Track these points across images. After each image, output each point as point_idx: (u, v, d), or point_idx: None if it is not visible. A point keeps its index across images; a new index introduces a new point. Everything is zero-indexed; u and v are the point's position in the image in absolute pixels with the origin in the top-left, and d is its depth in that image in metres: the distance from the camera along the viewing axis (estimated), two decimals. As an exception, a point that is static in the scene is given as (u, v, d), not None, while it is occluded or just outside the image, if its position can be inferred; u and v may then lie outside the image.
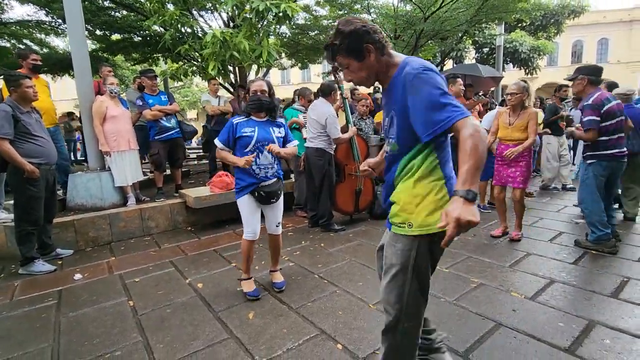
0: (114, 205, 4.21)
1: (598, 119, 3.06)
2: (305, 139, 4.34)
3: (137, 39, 8.43)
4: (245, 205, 2.47)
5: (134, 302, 2.54)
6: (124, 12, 7.98)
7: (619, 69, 27.84)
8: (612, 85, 4.19)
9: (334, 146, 4.02)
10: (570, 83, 3.41)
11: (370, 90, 8.56)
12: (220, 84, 6.73)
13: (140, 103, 4.39)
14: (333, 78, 4.33)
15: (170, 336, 2.10)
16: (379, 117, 5.91)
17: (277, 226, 2.62)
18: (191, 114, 28.55)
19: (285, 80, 29.42)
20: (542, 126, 5.64)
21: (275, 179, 2.51)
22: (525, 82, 3.50)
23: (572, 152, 6.57)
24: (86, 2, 6.76)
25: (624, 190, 4.15)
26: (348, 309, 2.33)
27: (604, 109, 3.05)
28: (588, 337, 1.95)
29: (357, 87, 6.54)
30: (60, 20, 7.97)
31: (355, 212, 4.35)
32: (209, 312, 2.37)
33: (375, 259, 1.65)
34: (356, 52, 1.29)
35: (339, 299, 2.47)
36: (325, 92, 3.95)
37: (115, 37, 8.62)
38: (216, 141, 2.46)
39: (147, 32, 7.84)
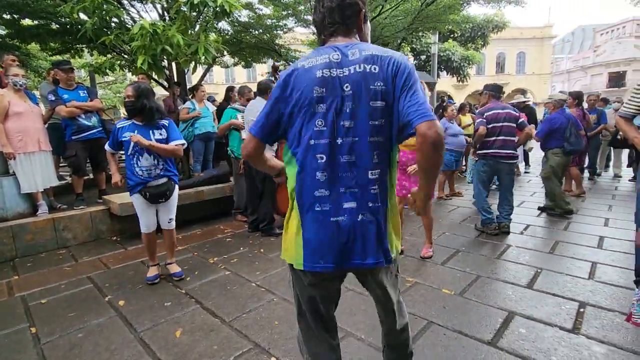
0: (20, 215, 3.66)
1: (484, 120, 3.73)
2: (243, 140, 4.17)
3: (55, 26, 7.48)
4: (137, 203, 2.69)
5: (37, 328, 2.20)
6: (37, -5, 7.03)
7: (534, 79, 31.47)
8: (578, 94, 5.47)
9: (275, 147, 3.91)
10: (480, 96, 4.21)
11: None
12: (155, 80, 6.24)
13: (53, 98, 3.87)
14: (273, 78, 4.23)
15: (80, 365, 1.84)
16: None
17: (169, 222, 2.82)
18: (124, 111, 26.36)
19: (230, 79, 28.51)
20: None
21: (164, 180, 2.66)
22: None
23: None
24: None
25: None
26: (285, 318, 2.24)
27: (488, 114, 3.73)
28: (507, 328, 2.09)
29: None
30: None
31: (297, 215, 4.28)
32: (129, 333, 2.13)
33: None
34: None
35: (276, 307, 2.38)
36: (262, 90, 3.83)
37: (27, 22, 7.57)
38: (106, 146, 2.68)
39: (67, 19, 6.99)
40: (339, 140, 1.13)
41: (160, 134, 2.62)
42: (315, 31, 1.30)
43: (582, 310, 2.27)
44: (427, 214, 3.22)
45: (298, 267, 1.20)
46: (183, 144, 2.71)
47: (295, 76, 1.16)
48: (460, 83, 17.95)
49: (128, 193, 4.09)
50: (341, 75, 1.13)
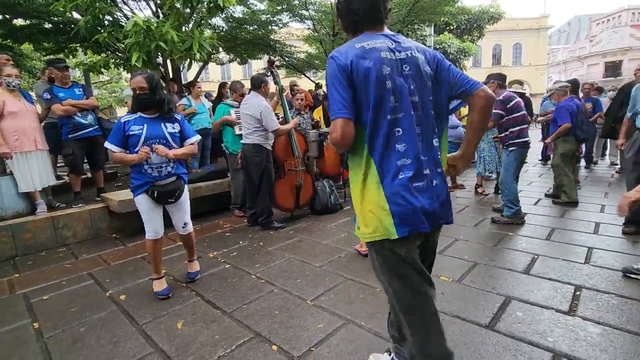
0: (18, 215, 3.66)
1: (503, 113, 3.71)
2: (237, 135, 4.19)
3: (47, 25, 7.43)
4: (142, 204, 2.40)
5: (40, 323, 2.21)
6: (29, -6, 6.97)
7: (530, 70, 31.42)
8: (575, 82, 5.38)
9: (272, 141, 3.92)
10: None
11: (312, 86, 8.57)
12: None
13: (48, 97, 3.85)
14: (269, 73, 4.21)
15: (83, 357, 1.86)
16: (319, 113, 5.93)
17: (183, 227, 2.60)
18: (121, 111, 26.24)
19: (225, 75, 28.37)
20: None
21: (173, 178, 2.43)
22: None
23: None
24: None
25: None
26: (285, 308, 2.27)
27: (510, 104, 3.70)
28: (505, 312, 2.12)
29: (297, 83, 6.50)
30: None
31: (295, 209, 4.30)
32: (131, 325, 2.15)
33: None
34: None
35: (275, 298, 2.40)
36: (255, 84, 3.82)
37: (20, 22, 7.51)
38: (107, 144, 2.31)
39: (60, 18, 6.94)
40: (412, 113, 1.24)
41: (173, 128, 2.40)
42: (344, 22, 1.36)
43: (578, 293, 2.30)
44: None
45: (392, 236, 1.20)
46: (197, 140, 2.57)
47: (355, 55, 1.21)
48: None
49: (126, 190, 4.15)
50: (400, 57, 1.25)
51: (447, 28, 15.27)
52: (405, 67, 1.24)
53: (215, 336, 1.99)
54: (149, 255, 2.53)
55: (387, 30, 1.33)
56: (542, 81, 30.80)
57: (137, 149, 2.27)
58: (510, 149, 3.78)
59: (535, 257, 2.91)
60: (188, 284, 2.67)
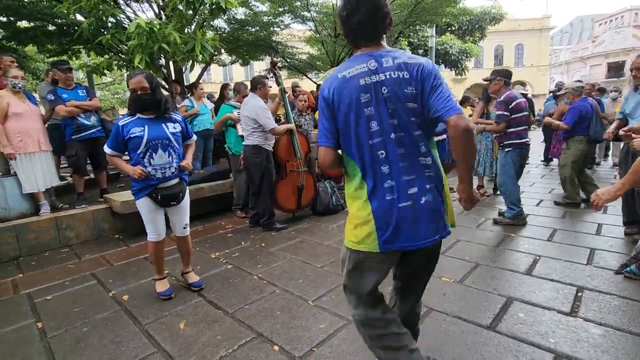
0: (22, 215, 3.68)
1: (508, 113, 3.58)
2: (240, 136, 4.20)
3: (51, 27, 7.48)
4: (144, 207, 2.36)
5: (44, 323, 2.23)
6: (33, -4, 7.03)
7: (532, 71, 31.35)
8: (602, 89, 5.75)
9: (272, 142, 3.93)
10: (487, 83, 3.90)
11: (314, 87, 8.59)
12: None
13: (52, 98, 3.88)
14: (271, 75, 4.23)
15: (86, 357, 1.88)
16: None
17: (184, 228, 2.55)
18: (124, 112, 26.33)
19: (227, 77, 28.47)
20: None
21: (176, 181, 2.40)
22: None
23: None
24: (-18, -17, 5.84)
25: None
26: (287, 308, 2.28)
27: (512, 104, 3.57)
28: (507, 312, 2.12)
29: (299, 84, 6.51)
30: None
31: (297, 209, 4.31)
32: (134, 326, 2.16)
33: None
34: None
35: (277, 299, 2.41)
36: (253, 86, 3.86)
37: (24, 24, 7.57)
38: (105, 147, 2.28)
39: (63, 20, 6.99)
40: (393, 136, 1.28)
41: (175, 128, 2.36)
42: (343, 32, 1.39)
43: (580, 294, 2.29)
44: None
45: (374, 250, 1.32)
46: (194, 140, 2.61)
47: (336, 88, 1.31)
48: (459, 76, 17.92)
49: (129, 191, 4.17)
50: (380, 80, 1.27)
51: (449, 29, 15.26)
52: (384, 89, 1.26)
53: (217, 336, 2.00)
54: (152, 257, 2.52)
55: (381, 47, 1.33)
56: (544, 82, 30.71)
57: (139, 150, 2.23)
58: (506, 149, 3.71)
59: (537, 258, 2.90)
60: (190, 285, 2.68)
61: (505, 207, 3.90)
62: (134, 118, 2.27)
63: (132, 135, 2.22)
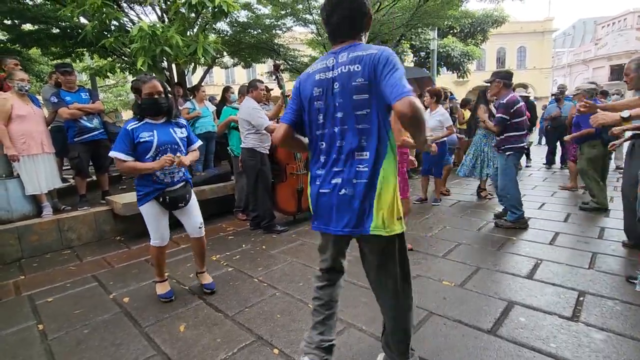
0: (24, 217, 3.70)
1: (507, 117, 3.57)
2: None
3: (55, 30, 7.54)
4: (150, 212, 2.34)
5: (45, 325, 2.24)
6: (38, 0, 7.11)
7: (535, 73, 31.29)
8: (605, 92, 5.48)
9: (267, 145, 3.92)
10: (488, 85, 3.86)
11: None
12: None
13: (55, 100, 3.91)
14: (274, 77, 4.24)
15: (86, 359, 1.88)
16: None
17: (199, 228, 2.53)
18: (127, 115, 26.48)
19: (229, 79, 28.56)
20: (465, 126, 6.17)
21: (182, 184, 2.41)
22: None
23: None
24: (-12, -14, 5.90)
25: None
26: (287, 311, 2.27)
27: (513, 108, 3.55)
28: (507, 317, 2.11)
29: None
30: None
31: (298, 212, 4.31)
32: (134, 328, 2.17)
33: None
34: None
35: (278, 301, 2.41)
36: (247, 90, 3.95)
37: (28, 27, 7.63)
38: (114, 153, 2.18)
39: (67, 23, 7.05)
40: (335, 129, 1.38)
41: (182, 133, 2.39)
42: (328, 36, 1.49)
43: (581, 298, 2.28)
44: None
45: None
46: (199, 145, 2.60)
47: (301, 81, 1.48)
48: (461, 79, 17.90)
49: (131, 193, 4.19)
50: (333, 76, 1.36)
51: (451, 32, 15.24)
52: (335, 84, 1.35)
53: (217, 339, 2.00)
54: (153, 260, 2.53)
55: (354, 43, 1.38)
56: (546, 85, 30.61)
57: (148, 155, 2.22)
58: (507, 153, 3.67)
59: (539, 261, 2.89)
60: (190, 288, 2.68)
61: (501, 209, 3.90)
62: (142, 122, 2.26)
63: (141, 140, 2.20)
